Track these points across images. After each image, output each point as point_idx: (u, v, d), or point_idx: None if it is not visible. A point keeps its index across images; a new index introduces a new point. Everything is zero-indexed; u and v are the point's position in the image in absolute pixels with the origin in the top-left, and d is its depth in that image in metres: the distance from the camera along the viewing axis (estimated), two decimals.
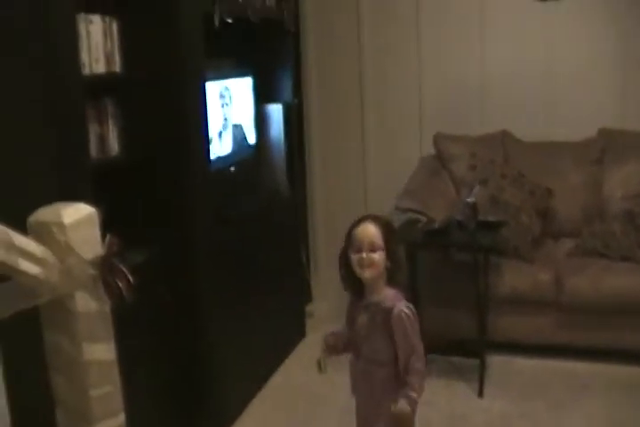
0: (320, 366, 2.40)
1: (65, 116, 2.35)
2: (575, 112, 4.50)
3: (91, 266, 1.66)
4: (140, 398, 2.14)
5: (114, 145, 2.78)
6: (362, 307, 2.34)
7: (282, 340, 3.98)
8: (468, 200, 3.64)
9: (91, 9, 2.58)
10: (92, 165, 2.50)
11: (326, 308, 4.49)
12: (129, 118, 2.83)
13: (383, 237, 2.25)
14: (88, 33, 2.58)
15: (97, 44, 2.63)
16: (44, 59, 2.27)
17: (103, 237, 1.71)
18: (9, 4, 2.19)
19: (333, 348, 2.42)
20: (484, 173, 4.16)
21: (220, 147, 3.42)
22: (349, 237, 2.29)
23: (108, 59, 2.71)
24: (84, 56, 2.55)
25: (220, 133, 3.41)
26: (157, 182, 2.94)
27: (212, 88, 3.27)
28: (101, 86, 2.70)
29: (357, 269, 2.27)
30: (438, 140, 4.50)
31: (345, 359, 2.43)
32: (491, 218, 3.77)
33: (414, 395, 2.22)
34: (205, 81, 3.12)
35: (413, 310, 2.30)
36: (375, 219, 2.31)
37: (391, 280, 2.32)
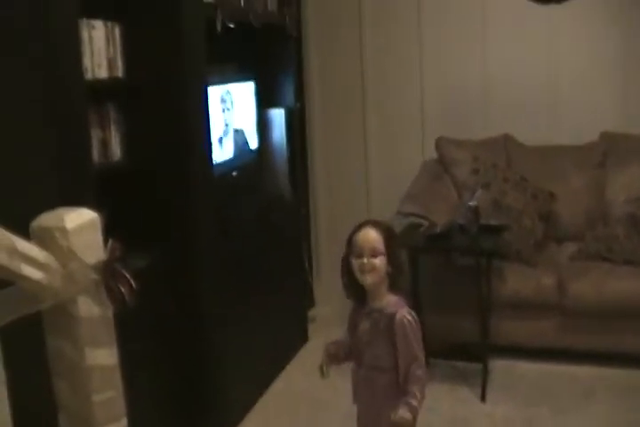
0: (322, 371, 2.39)
1: (67, 121, 2.35)
2: (577, 116, 4.51)
3: (93, 271, 1.66)
4: (142, 404, 2.14)
5: (116, 150, 2.78)
6: (364, 313, 2.33)
7: (284, 344, 3.98)
8: (470, 204, 3.64)
9: (93, 14, 2.58)
10: (94, 170, 2.50)
11: (329, 312, 4.49)
12: (131, 123, 2.84)
13: (384, 242, 2.24)
14: (90, 38, 2.58)
15: (99, 49, 2.64)
16: (46, 64, 2.27)
17: (106, 242, 1.71)
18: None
19: (334, 357, 2.40)
20: (486, 177, 4.16)
21: (221, 153, 3.42)
22: (350, 242, 2.28)
23: (111, 64, 2.71)
24: (87, 61, 2.55)
25: (221, 139, 3.41)
26: (159, 187, 2.95)
27: (214, 93, 3.27)
28: (104, 91, 2.70)
29: (359, 275, 2.26)
30: (440, 144, 4.50)
31: (348, 364, 2.42)
32: (493, 222, 3.77)
33: (415, 403, 2.20)
34: (207, 86, 3.12)
35: (416, 316, 2.29)
36: (376, 224, 2.30)
37: (393, 286, 2.30)
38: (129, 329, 1.95)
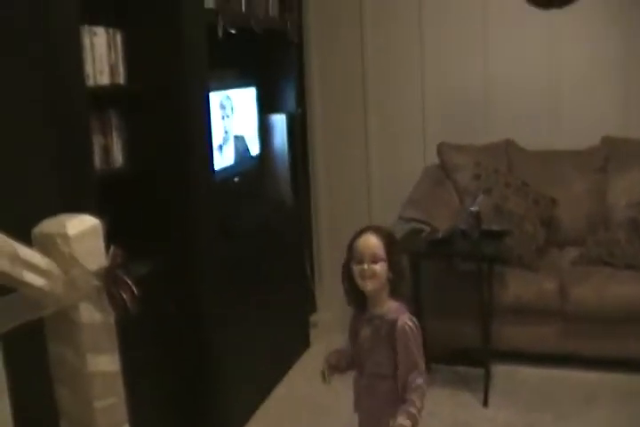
0: (324, 377, 2.38)
1: (69, 128, 2.35)
2: (578, 121, 4.51)
3: (95, 277, 1.66)
4: (144, 410, 2.14)
5: (118, 156, 2.79)
6: (365, 320, 2.32)
7: (286, 350, 3.98)
8: (472, 209, 3.64)
9: (94, 21, 2.59)
10: (96, 177, 2.51)
11: (331, 318, 4.48)
12: (133, 130, 2.84)
13: (385, 248, 2.23)
14: (92, 45, 2.59)
15: (101, 55, 2.64)
16: (46, 66, 2.27)
17: (107, 248, 1.71)
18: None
19: (336, 367, 2.39)
20: (487, 183, 4.16)
21: (222, 160, 3.41)
22: (351, 248, 2.27)
23: (113, 70, 2.72)
24: (89, 68, 2.56)
25: (221, 147, 3.40)
26: (161, 193, 2.95)
27: (213, 99, 3.27)
28: (105, 98, 2.70)
29: (359, 281, 2.25)
30: (442, 149, 4.50)
31: (350, 372, 2.42)
32: (494, 227, 3.77)
33: (414, 411, 2.17)
34: (209, 92, 3.13)
35: (417, 323, 2.28)
36: (376, 230, 2.29)
37: (394, 292, 2.29)
38: (131, 335, 1.95)
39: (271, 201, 4.00)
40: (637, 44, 4.37)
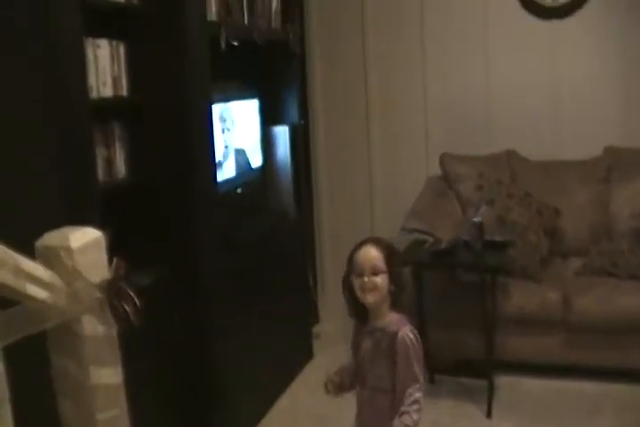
0: (327, 388, 2.38)
1: (72, 140, 2.36)
2: (581, 131, 4.51)
3: (98, 290, 1.66)
4: (147, 422, 2.14)
5: (121, 168, 2.79)
6: (366, 332, 2.30)
7: (289, 361, 3.97)
8: (475, 220, 3.64)
9: (98, 33, 2.60)
10: (99, 189, 2.51)
11: (333, 329, 4.47)
12: (136, 141, 2.85)
13: (385, 260, 2.21)
14: (95, 57, 2.60)
15: (104, 67, 2.65)
16: (51, 83, 2.28)
17: (110, 260, 1.71)
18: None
19: (340, 386, 2.36)
20: (490, 193, 4.16)
21: (222, 173, 3.38)
22: (351, 261, 2.24)
23: (116, 82, 2.73)
24: (92, 80, 2.57)
25: (221, 163, 3.36)
26: (164, 204, 2.95)
27: (214, 111, 3.26)
28: (108, 110, 2.71)
29: (360, 294, 2.22)
30: (445, 160, 4.51)
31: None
32: (497, 238, 3.76)
33: (411, 424, 2.15)
34: (212, 103, 3.14)
35: (418, 335, 2.25)
36: (377, 242, 2.26)
37: (395, 304, 2.27)
38: (133, 347, 1.95)
39: (274, 212, 4.00)
40: (638, 54, 4.38)
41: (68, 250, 1.61)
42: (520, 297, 3.78)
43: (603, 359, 3.70)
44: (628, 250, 3.89)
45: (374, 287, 2.20)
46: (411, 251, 3.72)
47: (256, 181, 3.88)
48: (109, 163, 2.73)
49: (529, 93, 4.58)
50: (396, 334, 2.22)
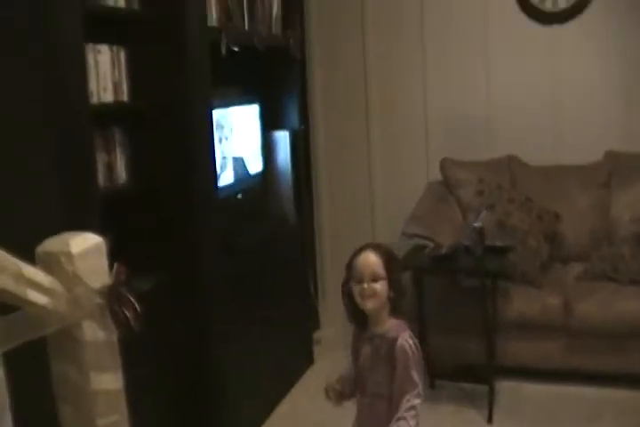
0: (328, 393, 2.37)
1: (72, 140, 2.36)
2: (581, 136, 4.51)
3: (98, 295, 1.66)
4: None
5: (121, 173, 2.80)
6: (366, 339, 2.29)
7: (289, 367, 3.96)
8: (475, 225, 3.64)
9: (98, 38, 2.60)
10: (99, 194, 2.51)
11: (334, 334, 4.47)
12: (137, 147, 2.85)
13: (385, 266, 2.19)
14: (96, 62, 2.60)
15: (105, 73, 2.66)
16: (51, 83, 2.29)
17: (111, 265, 1.71)
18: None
19: (340, 394, 2.35)
20: (491, 198, 4.16)
21: (222, 180, 3.35)
22: (350, 267, 2.23)
23: (116, 88, 2.73)
24: (93, 85, 2.57)
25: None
26: (164, 210, 2.95)
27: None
28: (109, 115, 2.72)
29: (359, 300, 2.21)
30: (445, 165, 4.51)
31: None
32: (498, 243, 3.76)
33: None
34: (212, 109, 3.14)
35: (417, 342, 2.24)
36: (376, 248, 2.25)
37: (395, 310, 2.26)
38: (134, 353, 1.95)
39: (274, 218, 4.00)
40: (638, 58, 4.39)
41: (69, 255, 1.61)
42: (521, 302, 3.78)
43: (603, 364, 3.69)
44: (629, 255, 3.89)
45: (374, 294, 2.19)
46: (411, 256, 3.72)
47: (256, 187, 3.88)
48: (110, 168, 2.73)
49: (529, 98, 4.58)
50: (395, 340, 2.20)
